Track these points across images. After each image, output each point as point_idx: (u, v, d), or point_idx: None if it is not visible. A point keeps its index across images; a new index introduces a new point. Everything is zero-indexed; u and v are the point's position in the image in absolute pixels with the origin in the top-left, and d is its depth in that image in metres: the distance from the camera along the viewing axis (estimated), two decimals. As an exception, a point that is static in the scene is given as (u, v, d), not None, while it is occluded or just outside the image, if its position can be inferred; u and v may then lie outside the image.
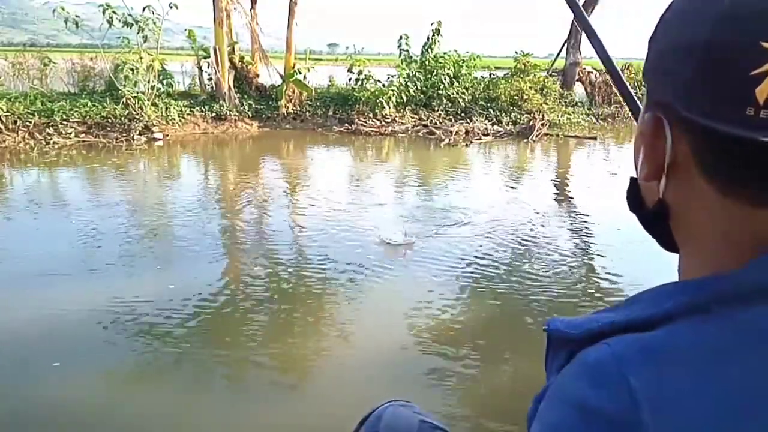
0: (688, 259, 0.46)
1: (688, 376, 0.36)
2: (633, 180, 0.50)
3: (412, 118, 11.12)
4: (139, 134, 8.97)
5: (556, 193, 6.66)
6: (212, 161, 8.23)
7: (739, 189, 0.40)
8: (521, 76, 12.40)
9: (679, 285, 0.44)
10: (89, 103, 9.09)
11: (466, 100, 11.76)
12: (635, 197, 0.50)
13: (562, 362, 0.45)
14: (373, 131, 10.59)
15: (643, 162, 0.45)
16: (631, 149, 0.50)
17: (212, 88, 10.82)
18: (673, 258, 0.49)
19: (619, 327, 0.41)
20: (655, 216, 0.47)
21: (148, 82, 9.44)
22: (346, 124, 10.86)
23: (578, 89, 13.92)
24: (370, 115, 10.88)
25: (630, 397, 0.36)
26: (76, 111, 8.87)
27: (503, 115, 11.41)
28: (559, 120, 11.27)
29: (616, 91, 0.71)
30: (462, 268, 3.84)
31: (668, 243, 0.48)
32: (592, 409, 0.37)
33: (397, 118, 10.97)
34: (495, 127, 10.90)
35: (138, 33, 9.40)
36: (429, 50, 12.08)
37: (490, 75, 13.07)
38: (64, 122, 8.72)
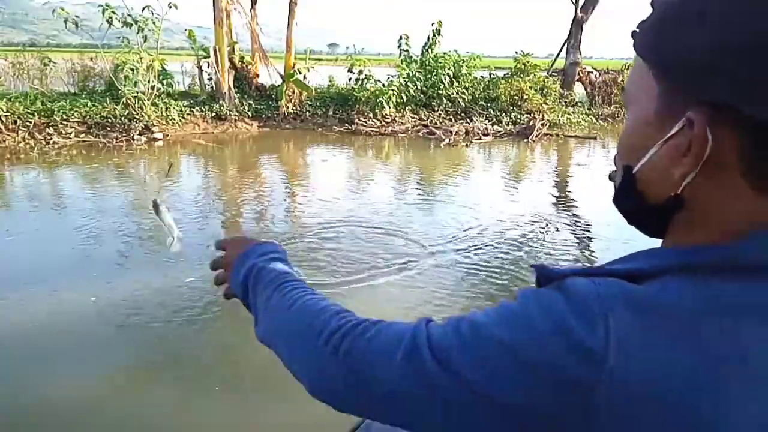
0: (679, 239, 0.47)
1: (661, 330, 0.38)
2: (629, 172, 0.49)
3: (412, 118, 11.12)
4: (139, 134, 8.96)
5: (556, 194, 6.65)
6: (212, 161, 8.22)
7: None
8: (521, 76, 12.40)
9: (672, 248, 0.46)
10: (89, 103, 9.09)
11: (466, 100, 11.76)
12: (631, 190, 0.49)
13: None
14: (373, 131, 10.59)
15: (681, 158, 0.43)
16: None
17: (212, 88, 10.82)
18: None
19: (607, 273, 0.43)
20: (664, 209, 0.46)
21: (148, 82, 9.44)
22: (346, 124, 10.87)
23: (578, 89, 13.92)
24: (370, 115, 10.88)
25: (605, 334, 0.38)
26: (76, 111, 8.87)
27: (503, 115, 11.42)
28: (559, 120, 11.27)
29: None
30: (460, 268, 3.84)
31: (658, 231, 0.49)
32: (568, 329, 0.40)
33: (397, 118, 10.97)
34: (495, 127, 10.90)
35: (138, 33, 9.40)
36: (429, 50, 12.08)
37: (490, 75, 13.06)
38: (64, 122, 8.72)
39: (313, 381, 0.59)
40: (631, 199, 0.50)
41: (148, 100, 9.26)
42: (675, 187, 0.45)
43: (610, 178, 0.54)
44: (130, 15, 9.40)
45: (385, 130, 10.64)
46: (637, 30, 0.48)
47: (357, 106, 11.06)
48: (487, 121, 11.16)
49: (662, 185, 0.46)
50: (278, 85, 11.19)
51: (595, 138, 10.54)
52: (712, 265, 0.41)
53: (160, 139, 9.11)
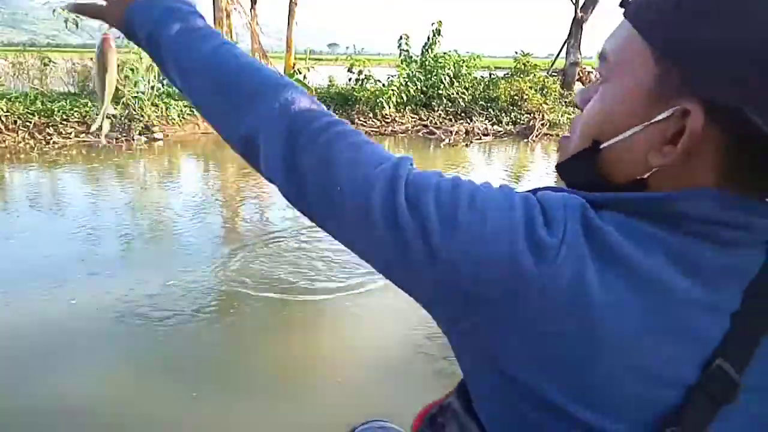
0: None
1: (594, 249, 0.41)
2: (596, 147, 0.48)
3: (412, 118, 11.12)
4: (139, 134, 8.96)
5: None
6: (212, 161, 8.23)
7: (752, 184, 0.42)
8: (521, 76, 12.40)
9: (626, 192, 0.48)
10: (89, 103, 9.09)
11: (466, 100, 11.76)
12: (592, 165, 0.48)
13: None
14: (373, 131, 10.59)
15: (662, 146, 0.43)
16: None
17: (212, 88, 10.81)
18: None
19: (570, 191, 0.47)
20: (622, 188, 0.47)
21: (148, 82, 9.44)
22: (346, 124, 10.86)
23: (578, 89, 13.90)
24: (370, 115, 10.88)
25: (562, 236, 0.42)
26: (76, 111, 8.86)
27: (503, 115, 11.41)
28: (559, 120, 11.27)
29: None
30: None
31: None
32: (534, 222, 0.43)
33: (397, 118, 10.97)
34: (495, 127, 10.90)
35: (138, 33, 9.39)
36: (429, 50, 12.08)
37: (490, 75, 13.06)
38: (64, 122, 8.72)
39: (275, 152, 0.53)
40: (588, 174, 0.49)
41: (148, 100, 9.26)
42: (644, 171, 0.44)
43: (561, 143, 0.54)
44: (130, 15, 9.40)
45: (385, 130, 10.63)
46: (631, 1, 0.45)
47: (357, 106, 11.05)
48: (487, 121, 11.16)
49: (631, 167, 0.45)
50: (278, 85, 11.18)
51: (595, 138, 10.54)
52: (642, 208, 0.43)
53: (160, 139, 9.11)
